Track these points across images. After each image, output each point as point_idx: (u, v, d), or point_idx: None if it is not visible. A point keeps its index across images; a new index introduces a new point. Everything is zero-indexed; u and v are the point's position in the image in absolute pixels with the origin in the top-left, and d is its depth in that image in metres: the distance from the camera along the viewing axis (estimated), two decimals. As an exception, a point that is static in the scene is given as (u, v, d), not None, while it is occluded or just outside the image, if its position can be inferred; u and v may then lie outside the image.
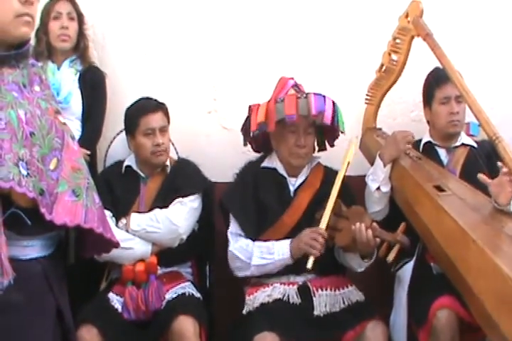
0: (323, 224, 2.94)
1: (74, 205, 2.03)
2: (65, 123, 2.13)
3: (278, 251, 2.98)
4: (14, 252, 1.96)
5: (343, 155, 3.14)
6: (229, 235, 3.15)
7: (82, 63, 3.67)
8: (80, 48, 3.66)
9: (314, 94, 3.03)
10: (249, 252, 3.03)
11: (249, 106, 3.18)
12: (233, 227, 3.16)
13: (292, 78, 3.21)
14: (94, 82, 3.67)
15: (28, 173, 1.89)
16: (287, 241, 2.99)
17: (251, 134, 3.13)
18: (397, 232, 2.91)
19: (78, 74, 3.65)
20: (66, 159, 2.04)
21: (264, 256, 3.00)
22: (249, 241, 3.07)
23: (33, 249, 2.07)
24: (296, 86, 3.18)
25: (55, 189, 1.98)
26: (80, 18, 3.65)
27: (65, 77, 3.62)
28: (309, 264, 2.87)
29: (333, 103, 3.06)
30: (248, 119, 3.14)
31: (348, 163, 3.09)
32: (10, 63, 2.02)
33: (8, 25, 1.98)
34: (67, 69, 3.64)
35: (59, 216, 1.97)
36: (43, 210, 1.92)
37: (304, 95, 3.01)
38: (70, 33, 3.60)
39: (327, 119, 3.01)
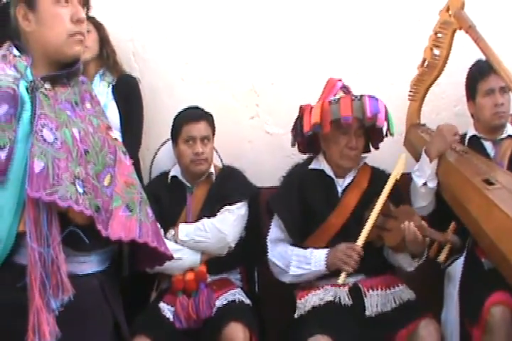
0: (360, 240, 2.94)
1: (128, 220, 2.05)
2: (116, 139, 2.17)
3: (315, 261, 2.98)
4: (72, 268, 1.98)
5: (389, 156, 3.14)
6: (268, 242, 3.17)
7: (112, 74, 3.66)
8: (103, 57, 3.65)
9: (368, 96, 3.02)
10: (287, 260, 3.06)
11: (301, 107, 3.18)
12: (273, 233, 3.17)
13: (340, 80, 3.21)
14: (128, 91, 3.66)
15: (84, 191, 1.92)
16: (324, 252, 2.98)
17: (302, 135, 3.12)
18: (447, 232, 2.89)
19: (111, 86, 3.65)
20: (119, 174, 2.07)
21: (302, 266, 3.01)
22: (287, 247, 3.09)
23: (89, 265, 2.10)
24: (344, 87, 3.19)
25: (110, 205, 2.00)
26: (99, 28, 3.64)
27: (98, 92, 3.58)
28: (340, 280, 2.90)
29: (385, 105, 3.05)
30: (300, 120, 3.13)
31: (399, 171, 3.08)
32: (62, 82, 2.06)
33: (62, 44, 2.02)
34: (99, 83, 3.64)
35: (114, 231, 1.99)
36: (99, 227, 1.94)
37: (358, 97, 3.01)
38: (88, 43, 3.52)
39: (381, 122, 3.01)
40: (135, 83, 3.70)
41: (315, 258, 2.99)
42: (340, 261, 2.91)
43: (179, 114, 3.34)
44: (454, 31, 3.14)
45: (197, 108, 3.35)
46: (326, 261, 2.96)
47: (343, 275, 2.90)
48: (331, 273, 2.99)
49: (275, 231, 3.17)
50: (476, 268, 3.03)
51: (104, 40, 3.66)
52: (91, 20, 3.55)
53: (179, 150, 3.26)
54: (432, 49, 3.29)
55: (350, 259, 2.89)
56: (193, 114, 3.29)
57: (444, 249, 2.91)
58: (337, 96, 3.10)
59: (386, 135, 3.17)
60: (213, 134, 3.32)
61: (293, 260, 3.03)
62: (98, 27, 3.63)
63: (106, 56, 3.66)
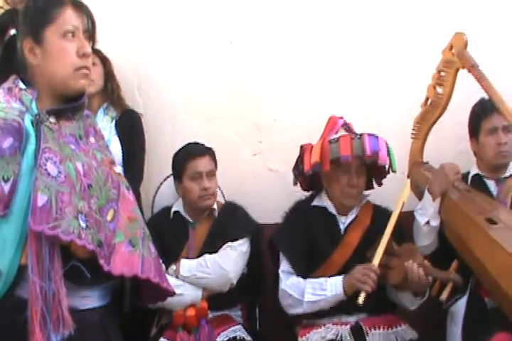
0: (376, 260, 2.91)
1: (131, 256, 2.04)
2: (119, 174, 2.16)
3: (331, 287, 2.96)
4: (73, 303, 1.96)
5: (392, 193, 3.14)
6: (280, 273, 3.15)
7: (116, 109, 3.68)
8: (108, 91, 3.68)
9: (368, 134, 3.06)
10: (301, 289, 3.03)
11: (301, 146, 3.20)
12: (285, 265, 3.15)
13: (342, 117, 3.24)
14: (131, 126, 3.68)
15: (86, 225, 1.90)
16: (340, 277, 2.97)
17: (303, 174, 3.14)
18: (449, 270, 2.89)
19: (114, 120, 3.66)
20: (122, 209, 2.06)
21: (317, 293, 2.98)
22: (300, 278, 3.06)
23: (91, 299, 2.08)
24: (346, 125, 3.22)
25: (112, 240, 1.99)
26: (105, 62, 3.67)
27: (102, 126, 3.57)
28: (360, 299, 2.84)
29: (386, 143, 3.08)
30: (300, 159, 3.16)
31: (403, 204, 3.08)
32: (67, 116, 2.06)
33: (68, 78, 2.03)
34: (102, 117, 3.65)
35: (116, 267, 1.97)
36: (101, 261, 1.93)
37: (358, 136, 3.04)
38: (93, 77, 3.55)
39: (383, 160, 3.04)
40: (138, 118, 3.71)
41: (331, 284, 2.97)
42: (358, 281, 2.87)
43: (180, 151, 3.36)
44: (457, 70, 3.15)
45: (197, 143, 3.37)
46: (342, 285, 2.94)
47: (362, 295, 2.84)
48: (334, 310, 2.98)
49: (287, 263, 3.15)
50: (479, 308, 3.01)
51: (109, 75, 3.68)
52: (97, 53, 3.58)
53: (185, 187, 3.27)
54: (435, 87, 3.30)
55: (368, 278, 2.85)
56: (196, 150, 3.31)
57: (446, 288, 2.89)
58: (338, 135, 3.13)
59: (388, 172, 3.18)
60: (216, 168, 3.33)
61: (307, 287, 3.01)
62: (104, 61, 3.66)
63: (110, 90, 3.68)
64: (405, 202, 3.09)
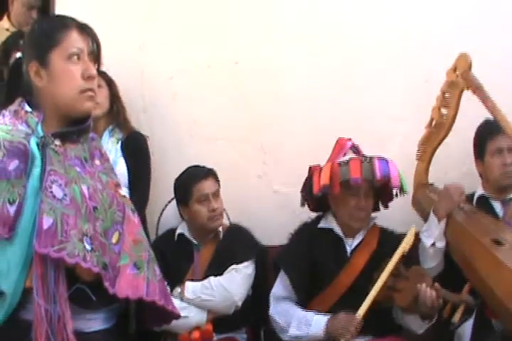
0: (361, 310, 2.89)
1: (136, 278, 2.04)
2: (125, 196, 2.17)
3: (315, 325, 2.96)
4: (78, 325, 1.97)
5: (396, 215, 3.14)
6: (270, 298, 3.15)
7: (122, 131, 3.67)
8: (113, 113, 3.67)
9: (377, 158, 3.05)
10: (287, 319, 3.04)
11: (310, 167, 3.20)
12: (277, 290, 3.16)
13: (350, 139, 3.23)
14: (137, 148, 3.67)
15: (92, 248, 1.91)
16: (325, 319, 2.95)
17: (312, 195, 3.13)
18: (462, 293, 2.87)
19: (120, 142, 3.65)
20: (127, 232, 2.06)
21: (302, 327, 2.98)
22: (291, 306, 3.08)
23: (96, 322, 2.08)
24: (354, 147, 3.21)
25: (117, 262, 1.99)
26: (110, 85, 3.67)
27: (107, 148, 3.58)
28: None
29: (395, 166, 3.07)
30: (309, 180, 3.15)
31: (404, 251, 3.03)
32: (72, 138, 2.07)
33: (73, 100, 2.04)
34: (107, 139, 3.64)
35: (121, 289, 1.97)
36: (106, 284, 1.93)
37: (368, 159, 3.04)
38: (99, 99, 3.56)
39: (395, 183, 3.03)
40: (144, 140, 3.70)
41: (315, 322, 2.96)
42: (337, 333, 2.87)
43: (182, 176, 3.36)
44: (462, 91, 3.16)
45: (198, 166, 3.36)
46: (325, 327, 2.93)
47: None
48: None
49: (280, 288, 3.16)
50: (486, 330, 3.00)
51: (114, 97, 3.68)
52: (103, 75, 3.59)
53: (193, 211, 3.25)
54: (439, 109, 3.29)
55: (347, 332, 2.84)
56: (199, 173, 3.30)
57: (458, 310, 2.87)
58: (346, 157, 3.13)
59: (397, 195, 3.18)
60: (219, 187, 3.33)
61: (294, 320, 3.01)
62: (109, 83, 3.66)
63: (116, 112, 3.67)
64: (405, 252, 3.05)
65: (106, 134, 3.65)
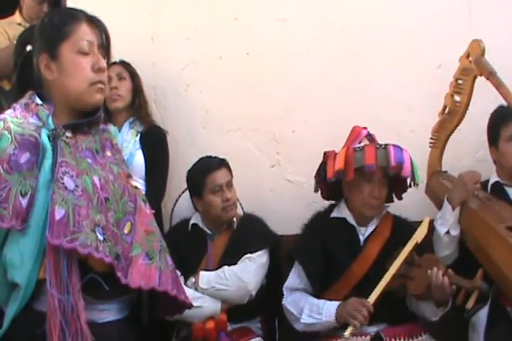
0: (373, 296, 2.89)
1: (148, 268, 2.05)
2: (136, 187, 2.17)
3: (326, 312, 2.96)
4: (91, 316, 1.98)
5: (410, 203, 3.14)
6: (284, 289, 3.16)
7: (142, 124, 3.68)
8: (135, 106, 3.69)
9: (393, 145, 3.04)
10: (300, 308, 3.04)
11: (325, 153, 3.19)
12: (290, 281, 3.17)
13: (365, 128, 3.24)
14: (156, 142, 3.69)
15: (104, 238, 1.92)
16: (336, 304, 2.95)
17: (326, 181, 3.12)
18: (475, 279, 2.84)
19: (139, 135, 3.67)
20: (139, 222, 2.07)
21: (313, 315, 2.98)
22: (302, 295, 3.09)
23: (109, 313, 2.09)
24: (369, 135, 3.21)
25: (129, 253, 2.00)
26: (134, 77, 3.69)
27: (126, 139, 3.64)
28: (346, 333, 2.84)
29: (409, 156, 3.06)
30: (323, 166, 3.15)
31: (416, 243, 3.02)
32: (83, 130, 2.08)
33: (83, 93, 2.05)
34: (127, 131, 3.67)
35: (134, 279, 1.99)
36: (118, 274, 1.94)
37: (383, 146, 3.03)
38: (121, 92, 3.62)
39: (407, 172, 3.02)
40: (163, 135, 3.72)
41: (326, 309, 2.96)
42: (349, 315, 2.86)
43: (194, 167, 3.36)
44: (475, 77, 3.15)
45: (210, 157, 3.37)
46: (335, 313, 2.93)
47: (349, 328, 2.85)
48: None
49: (294, 279, 3.17)
50: (502, 318, 2.98)
51: (137, 90, 3.70)
52: (126, 67, 3.62)
53: (207, 202, 3.25)
54: (452, 96, 3.28)
55: (359, 314, 2.84)
56: (211, 163, 3.31)
57: (471, 296, 2.86)
58: (362, 144, 3.12)
59: (410, 185, 3.17)
60: (232, 177, 3.33)
61: (305, 308, 3.02)
62: (133, 76, 3.69)
63: (138, 106, 3.69)
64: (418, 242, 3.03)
65: (126, 125, 3.68)
